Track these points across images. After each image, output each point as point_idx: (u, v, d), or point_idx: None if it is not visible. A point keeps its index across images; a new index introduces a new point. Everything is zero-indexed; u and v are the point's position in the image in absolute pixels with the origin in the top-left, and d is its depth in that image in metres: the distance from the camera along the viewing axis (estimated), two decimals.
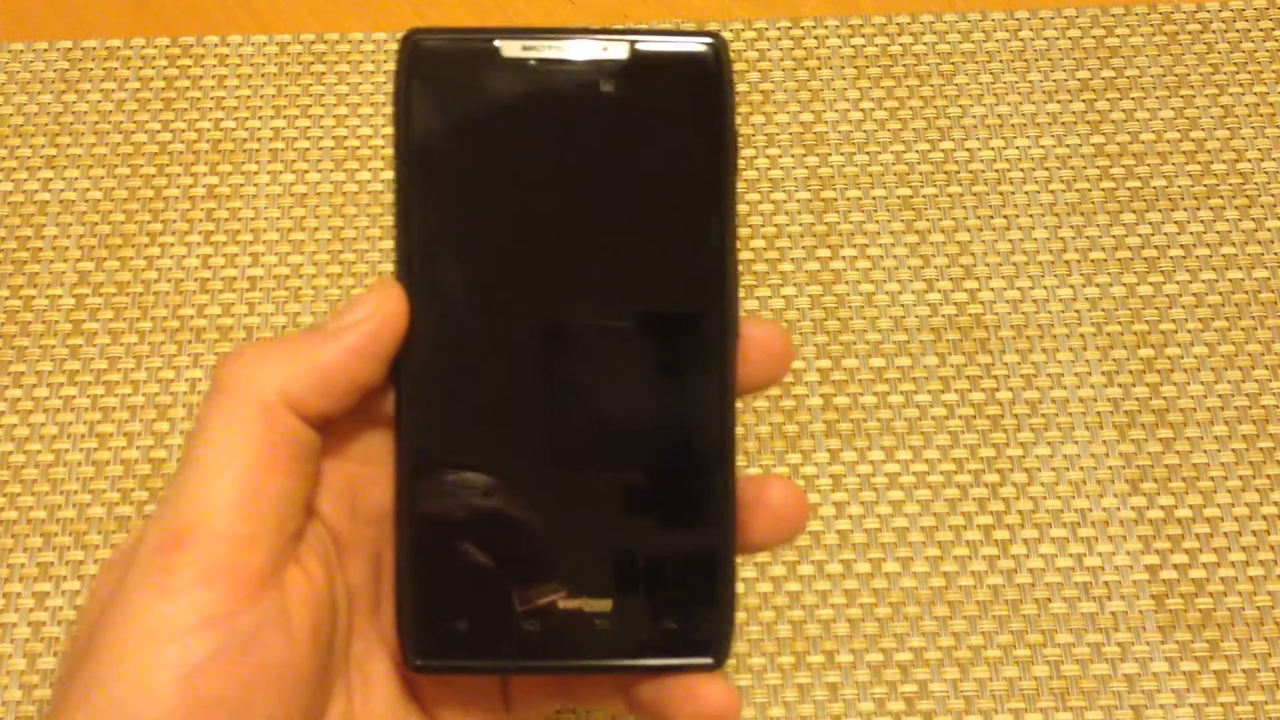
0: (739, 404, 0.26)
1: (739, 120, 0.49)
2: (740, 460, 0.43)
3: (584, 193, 0.25)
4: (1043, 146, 0.49)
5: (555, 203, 0.25)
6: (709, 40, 0.25)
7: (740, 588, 0.41)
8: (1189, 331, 0.45)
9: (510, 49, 0.25)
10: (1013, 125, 0.49)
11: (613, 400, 0.26)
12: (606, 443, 0.26)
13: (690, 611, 0.26)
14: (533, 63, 0.25)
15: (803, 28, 0.51)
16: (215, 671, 0.21)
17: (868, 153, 0.49)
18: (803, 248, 0.47)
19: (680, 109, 0.25)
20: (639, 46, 0.25)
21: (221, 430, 0.23)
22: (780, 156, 0.49)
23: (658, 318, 0.26)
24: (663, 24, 0.51)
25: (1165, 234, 0.47)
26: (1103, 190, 0.48)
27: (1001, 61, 0.51)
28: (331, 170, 0.48)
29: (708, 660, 0.26)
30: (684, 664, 0.26)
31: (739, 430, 0.43)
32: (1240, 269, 0.47)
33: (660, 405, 0.26)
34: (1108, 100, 0.50)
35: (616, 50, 0.25)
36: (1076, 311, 0.46)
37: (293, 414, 0.23)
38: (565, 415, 0.26)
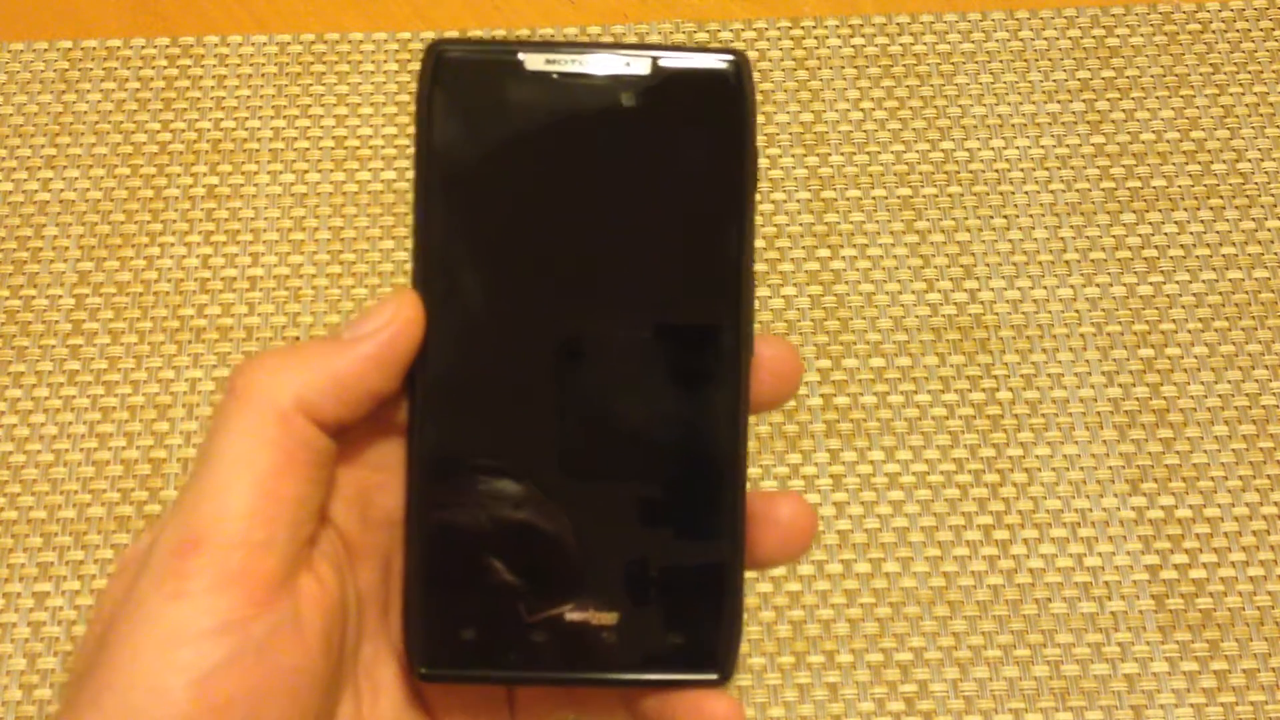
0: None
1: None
2: None
3: (602, 207, 0.25)
4: (1043, 146, 0.49)
5: (573, 216, 0.25)
6: (731, 58, 0.25)
7: None
8: (1189, 331, 0.45)
9: (533, 62, 0.25)
10: (1013, 125, 0.49)
11: (625, 414, 0.26)
12: (618, 456, 0.26)
13: (697, 626, 0.26)
14: (555, 76, 0.25)
15: (803, 28, 0.51)
16: (228, 676, 0.21)
17: (868, 153, 0.49)
18: (803, 248, 0.47)
19: (701, 126, 0.25)
20: (661, 62, 0.25)
21: (237, 436, 0.23)
22: (780, 156, 0.49)
23: (673, 333, 0.26)
24: (662, 25, 0.51)
25: (1165, 234, 0.47)
26: (1103, 190, 0.48)
27: (1001, 61, 0.51)
28: (331, 170, 0.48)
29: (713, 675, 0.26)
30: (690, 679, 0.26)
31: None
32: (1240, 269, 0.47)
33: (672, 420, 0.26)
34: (1108, 100, 0.50)
35: (639, 66, 0.25)
36: (1076, 311, 0.46)
37: (308, 421, 0.23)
38: (577, 427, 0.26)
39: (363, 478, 0.26)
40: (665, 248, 0.26)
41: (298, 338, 0.45)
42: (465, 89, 0.25)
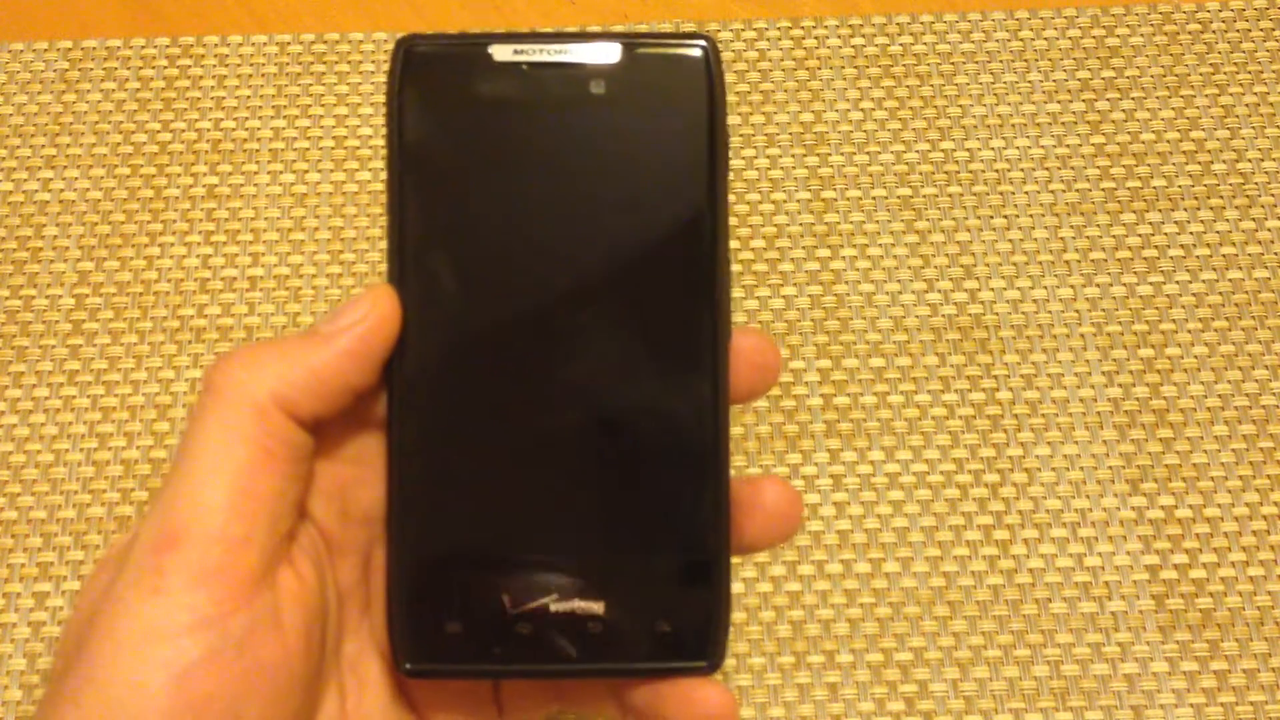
0: (734, 409, 0.26)
1: (738, 120, 0.49)
2: (740, 460, 0.43)
3: (575, 196, 0.25)
4: (1043, 146, 0.49)
5: (547, 207, 0.25)
6: (699, 42, 0.25)
7: (740, 588, 0.41)
8: (1189, 331, 0.45)
9: (502, 53, 0.25)
10: (1013, 125, 0.49)
11: (604, 403, 0.26)
12: (598, 445, 0.26)
13: (684, 614, 0.26)
14: (524, 67, 0.25)
15: (803, 28, 0.51)
16: (207, 673, 0.21)
17: (868, 153, 0.49)
18: (803, 248, 0.47)
19: (671, 112, 0.25)
20: (630, 50, 0.25)
21: (214, 432, 0.23)
22: (780, 156, 0.49)
23: (650, 321, 0.26)
24: (662, 24, 0.51)
25: (1165, 234, 0.47)
26: (1103, 190, 0.48)
27: (1001, 61, 0.51)
28: (331, 170, 0.48)
29: (702, 664, 0.26)
30: (678, 667, 0.25)
31: (739, 431, 0.44)
32: (1240, 269, 0.47)
33: (652, 408, 0.26)
34: (1108, 100, 0.50)
35: (608, 54, 0.25)
36: (1077, 311, 0.46)
37: (285, 416, 0.23)
38: (556, 418, 0.26)
39: (341, 473, 0.26)
40: (639, 236, 0.26)
41: None
42: (435, 83, 0.25)
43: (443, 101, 0.25)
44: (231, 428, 0.23)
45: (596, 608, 0.25)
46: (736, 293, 0.46)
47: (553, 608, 0.25)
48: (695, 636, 0.26)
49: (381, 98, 0.50)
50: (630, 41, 0.25)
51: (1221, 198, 0.48)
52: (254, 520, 0.23)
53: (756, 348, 0.26)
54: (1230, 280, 0.46)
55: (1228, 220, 0.47)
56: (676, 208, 0.25)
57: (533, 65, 0.25)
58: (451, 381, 0.26)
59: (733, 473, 0.26)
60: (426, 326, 0.25)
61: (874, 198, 0.48)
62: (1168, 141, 0.49)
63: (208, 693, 0.21)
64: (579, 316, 0.25)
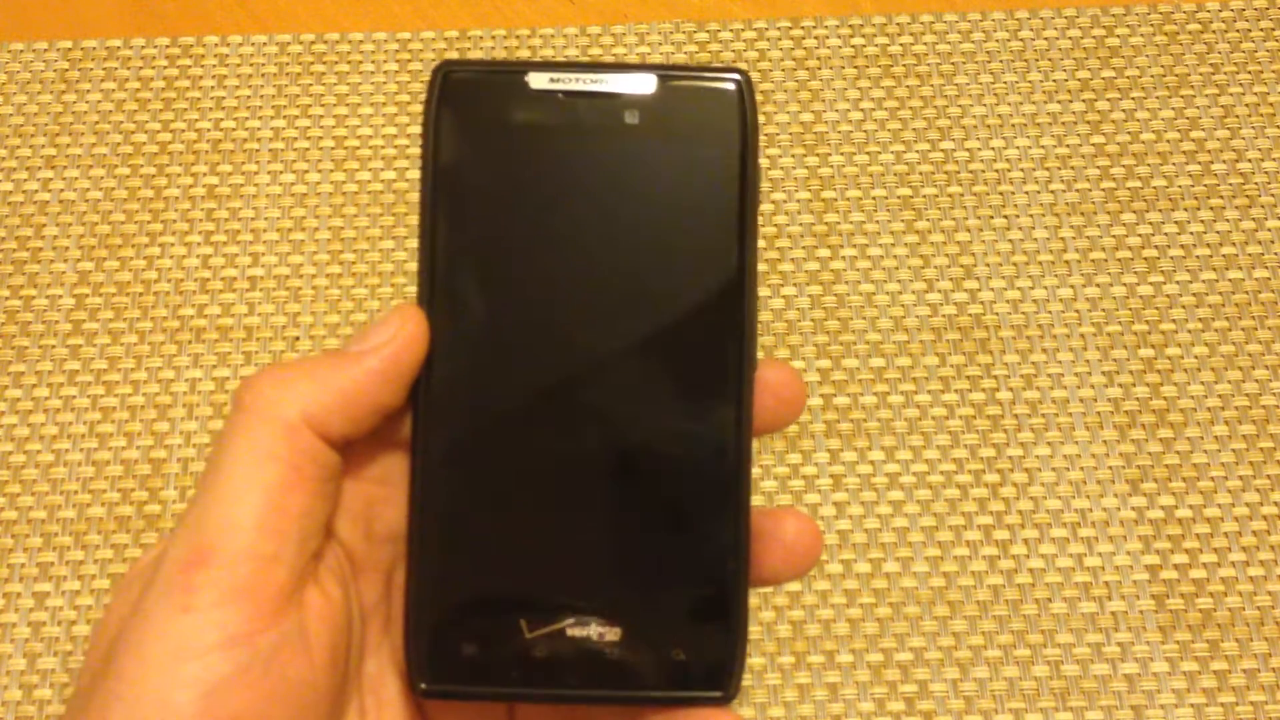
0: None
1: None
2: None
3: (606, 225, 0.26)
4: (1043, 146, 0.49)
5: (577, 234, 0.26)
6: (734, 76, 0.26)
7: None
8: (1189, 332, 0.45)
9: (538, 81, 0.25)
10: (1013, 125, 0.49)
11: (629, 430, 0.26)
12: (622, 472, 0.26)
13: (701, 643, 0.26)
14: (560, 95, 0.25)
15: (803, 28, 0.51)
16: (236, 690, 0.21)
17: (868, 153, 0.49)
18: (803, 248, 0.47)
19: (703, 144, 0.26)
20: (665, 81, 0.26)
21: (244, 450, 0.23)
22: (780, 156, 0.49)
23: (677, 350, 0.26)
24: (664, 24, 0.51)
25: (1165, 234, 0.47)
26: (1103, 190, 0.48)
27: (1001, 61, 0.51)
28: (331, 170, 0.48)
29: (718, 694, 0.26)
30: (694, 696, 0.25)
31: None
32: (1240, 269, 0.47)
33: (676, 437, 0.26)
34: (1108, 100, 0.50)
35: (643, 85, 0.26)
36: (1077, 312, 0.46)
37: (315, 435, 0.23)
38: (580, 443, 0.26)
39: (367, 492, 0.26)
40: (668, 266, 0.26)
41: (297, 338, 0.45)
42: (472, 109, 0.26)
43: (478, 127, 0.26)
44: (261, 446, 0.23)
45: (613, 634, 0.25)
46: None
47: (569, 632, 0.25)
48: (712, 666, 0.26)
49: (382, 97, 0.50)
50: (665, 73, 0.26)
51: (1221, 198, 0.48)
52: (283, 538, 0.23)
53: (782, 381, 0.26)
54: (1230, 280, 0.46)
55: (1228, 220, 0.47)
56: (706, 239, 0.26)
57: (568, 94, 0.25)
58: (475, 405, 0.26)
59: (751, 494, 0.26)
60: (453, 349, 0.25)
61: (874, 198, 0.48)
62: (1168, 141, 0.49)
63: (235, 710, 0.21)
64: (605, 344, 0.26)
